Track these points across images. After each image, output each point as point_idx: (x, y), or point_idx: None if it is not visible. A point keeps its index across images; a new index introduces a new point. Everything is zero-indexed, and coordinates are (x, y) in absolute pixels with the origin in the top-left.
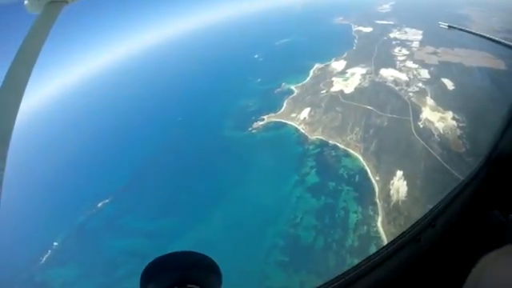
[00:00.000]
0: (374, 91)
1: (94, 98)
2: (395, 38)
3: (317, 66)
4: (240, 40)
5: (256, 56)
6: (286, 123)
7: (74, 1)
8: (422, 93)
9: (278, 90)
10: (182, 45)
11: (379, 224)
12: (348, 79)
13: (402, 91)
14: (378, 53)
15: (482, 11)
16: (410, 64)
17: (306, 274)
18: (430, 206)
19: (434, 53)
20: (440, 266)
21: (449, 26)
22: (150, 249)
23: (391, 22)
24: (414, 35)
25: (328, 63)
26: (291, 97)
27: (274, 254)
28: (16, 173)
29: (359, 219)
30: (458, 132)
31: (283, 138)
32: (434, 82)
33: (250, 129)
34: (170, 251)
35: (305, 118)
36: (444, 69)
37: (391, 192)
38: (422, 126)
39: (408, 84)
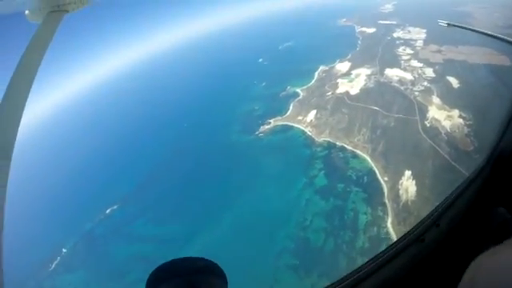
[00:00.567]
0: (380, 91)
1: (101, 104)
2: (399, 38)
3: (321, 68)
4: (244, 44)
5: (260, 60)
6: (292, 126)
7: (75, 10)
8: (427, 92)
9: (284, 93)
10: (185, 50)
11: (389, 225)
12: (353, 80)
13: (407, 91)
14: (382, 53)
15: (484, 8)
16: (414, 63)
17: (317, 276)
18: None
19: (438, 51)
20: (445, 265)
21: (448, 24)
22: (158, 254)
23: (394, 22)
24: (418, 34)
25: (332, 65)
26: (297, 99)
27: (284, 257)
28: (25, 179)
29: (369, 220)
30: (466, 130)
31: (290, 140)
32: (439, 80)
33: (256, 132)
34: (178, 257)
35: (311, 121)
36: (449, 67)
37: (400, 192)
38: (428, 124)
39: (413, 83)
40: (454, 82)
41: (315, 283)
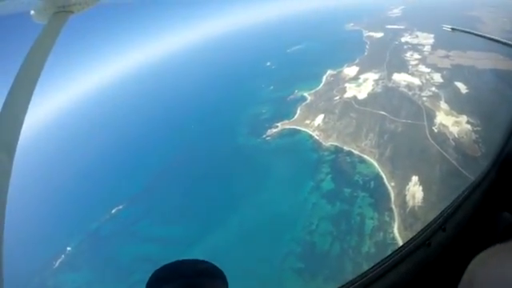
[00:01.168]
0: (388, 96)
1: (108, 106)
2: (407, 43)
3: (329, 72)
4: (252, 48)
5: (268, 63)
6: (300, 130)
7: (80, 11)
8: (435, 97)
9: (291, 96)
10: (193, 53)
11: (396, 230)
12: (361, 85)
13: (415, 96)
14: (389, 58)
15: (492, 12)
16: (422, 68)
17: (323, 280)
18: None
19: (446, 56)
20: (451, 269)
21: (452, 29)
22: (163, 255)
23: (402, 27)
24: (426, 39)
25: (340, 69)
26: (304, 103)
27: (290, 261)
28: (31, 178)
29: (375, 225)
30: (473, 136)
31: (298, 144)
32: (447, 85)
33: (264, 136)
34: (183, 258)
35: (319, 125)
36: (457, 72)
37: (407, 198)
38: (436, 130)
39: (421, 88)
40: (462, 87)
41: (321, 287)
